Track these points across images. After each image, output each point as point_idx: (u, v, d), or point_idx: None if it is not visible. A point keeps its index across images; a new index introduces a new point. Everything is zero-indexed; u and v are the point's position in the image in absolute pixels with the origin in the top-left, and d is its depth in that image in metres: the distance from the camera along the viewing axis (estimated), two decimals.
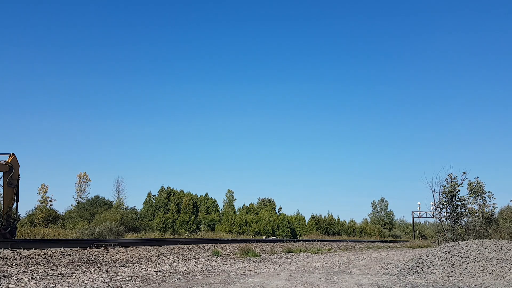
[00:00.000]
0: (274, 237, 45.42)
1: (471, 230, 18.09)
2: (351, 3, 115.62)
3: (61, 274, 7.75)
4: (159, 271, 9.02)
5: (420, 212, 68.26)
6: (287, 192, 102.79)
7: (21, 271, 7.83)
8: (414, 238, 62.79)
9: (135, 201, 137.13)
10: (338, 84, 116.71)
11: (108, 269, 8.68)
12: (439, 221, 20.80)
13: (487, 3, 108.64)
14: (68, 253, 10.81)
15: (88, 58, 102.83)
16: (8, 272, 7.68)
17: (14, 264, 8.73)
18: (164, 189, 60.07)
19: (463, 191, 18.95)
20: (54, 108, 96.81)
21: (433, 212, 54.48)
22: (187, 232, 43.03)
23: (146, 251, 12.88)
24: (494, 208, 19.01)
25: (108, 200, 51.26)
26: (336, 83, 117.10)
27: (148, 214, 55.27)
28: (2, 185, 15.23)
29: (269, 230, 52.17)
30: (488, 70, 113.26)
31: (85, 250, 11.80)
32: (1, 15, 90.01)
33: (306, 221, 61.20)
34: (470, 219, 18.88)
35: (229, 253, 14.62)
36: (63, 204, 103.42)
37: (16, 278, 7.03)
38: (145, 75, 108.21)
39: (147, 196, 59.30)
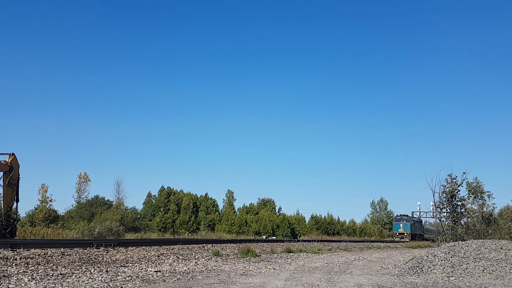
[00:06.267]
0: (274, 237, 45.40)
1: (471, 230, 18.09)
2: (351, 3, 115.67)
3: (61, 274, 7.75)
4: (159, 271, 9.02)
5: (420, 212, 68.11)
6: (287, 192, 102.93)
7: (21, 271, 7.83)
8: None
9: (135, 201, 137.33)
10: (338, 84, 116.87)
11: (108, 269, 8.68)
12: (439, 221, 20.80)
13: (487, 3, 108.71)
14: (68, 253, 10.80)
15: (88, 58, 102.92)
16: (8, 272, 7.68)
17: (14, 264, 8.73)
18: (164, 189, 60.03)
19: (463, 191, 18.97)
20: (54, 108, 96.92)
21: (433, 212, 54.12)
22: (187, 232, 43.03)
23: (146, 251, 12.87)
24: (494, 208, 19.02)
25: (108, 200, 51.26)
26: (336, 83, 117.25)
27: (148, 214, 55.25)
28: (2, 185, 15.22)
29: (269, 230, 52.16)
30: (488, 70, 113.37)
31: (85, 250, 11.79)
32: (1, 15, 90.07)
33: (306, 221, 61.22)
34: (469, 219, 18.88)
35: (229, 253, 14.61)
36: (63, 204, 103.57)
37: (16, 278, 7.03)
38: (145, 75, 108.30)
39: (147, 196, 59.29)
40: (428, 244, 35.01)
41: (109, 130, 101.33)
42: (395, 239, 49.91)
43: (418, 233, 55.97)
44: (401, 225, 49.71)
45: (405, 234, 49.50)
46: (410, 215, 59.01)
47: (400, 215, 56.21)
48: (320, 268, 11.52)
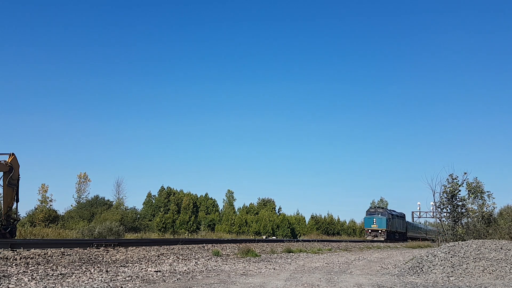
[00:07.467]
0: (274, 237, 45.40)
1: (471, 230, 18.10)
2: (351, 3, 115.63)
3: (61, 274, 7.74)
4: (159, 271, 9.02)
5: (420, 212, 68.10)
6: (287, 192, 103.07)
7: (21, 271, 7.83)
8: None
9: (135, 201, 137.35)
10: (338, 84, 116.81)
11: (108, 269, 8.68)
12: (439, 221, 20.80)
13: (487, 3, 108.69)
14: (68, 253, 10.80)
15: (88, 58, 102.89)
16: (8, 272, 7.67)
17: (14, 264, 8.73)
18: (164, 189, 60.05)
19: (463, 191, 18.99)
20: (54, 108, 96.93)
21: (433, 212, 53.40)
22: (187, 232, 43.05)
23: (146, 251, 12.87)
24: (494, 208, 19.03)
25: (108, 200, 51.31)
26: (336, 83, 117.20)
27: (148, 214, 55.27)
28: (2, 185, 15.22)
29: (269, 230, 52.17)
30: (488, 70, 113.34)
31: (85, 250, 11.79)
32: (1, 15, 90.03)
33: (306, 221, 61.28)
34: (469, 219, 18.89)
35: (229, 253, 14.61)
36: (63, 204, 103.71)
37: (16, 278, 7.03)
38: (145, 75, 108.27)
39: (147, 196, 59.33)
40: (428, 244, 34.98)
41: (109, 130, 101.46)
42: (366, 238, 38.71)
43: (399, 230, 45.70)
44: (374, 220, 38.52)
45: (380, 231, 38.51)
46: (410, 214, 56.72)
47: (375, 207, 46.09)
48: (320, 268, 11.52)
